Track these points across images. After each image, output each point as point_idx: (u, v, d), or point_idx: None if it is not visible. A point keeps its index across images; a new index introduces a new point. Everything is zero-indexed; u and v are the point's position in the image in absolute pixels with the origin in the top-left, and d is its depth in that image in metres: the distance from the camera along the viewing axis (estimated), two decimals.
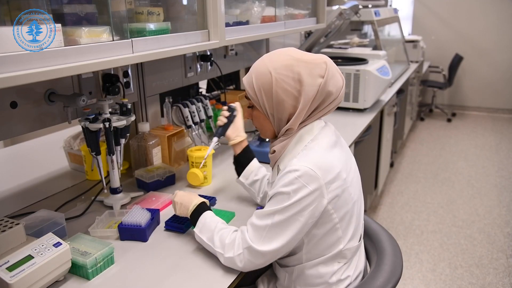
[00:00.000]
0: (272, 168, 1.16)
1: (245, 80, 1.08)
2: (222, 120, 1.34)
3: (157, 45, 1.19)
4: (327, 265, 1.06)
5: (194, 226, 1.13)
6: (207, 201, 1.20)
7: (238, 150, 1.35)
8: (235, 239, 1.03)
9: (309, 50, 2.68)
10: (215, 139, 1.35)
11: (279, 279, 1.15)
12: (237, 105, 1.37)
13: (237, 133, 1.34)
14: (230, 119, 1.34)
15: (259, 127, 1.13)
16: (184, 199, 1.20)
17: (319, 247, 1.04)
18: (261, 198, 1.34)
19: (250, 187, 1.34)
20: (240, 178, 1.35)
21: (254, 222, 1.01)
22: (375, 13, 3.28)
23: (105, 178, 1.36)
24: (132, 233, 1.17)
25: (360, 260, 1.14)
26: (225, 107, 1.36)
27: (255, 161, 1.36)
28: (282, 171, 1.00)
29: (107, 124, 1.24)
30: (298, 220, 0.97)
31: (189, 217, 1.16)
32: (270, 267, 1.26)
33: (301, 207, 0.95)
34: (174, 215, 1.27)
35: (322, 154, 1.00)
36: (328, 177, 0.96)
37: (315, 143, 1.04)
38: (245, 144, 1.36)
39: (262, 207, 1.05)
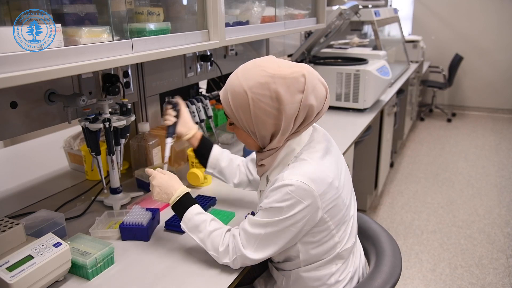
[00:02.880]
0: (260, 177, 1.13)
1: (221, 97, 1.02)
2: (170, 120, 1.29)
3: (157, 45, 1.19)
4: (325, 267, 1.06)
5: (179, 217, 1.09)
6: (188, 189, 1.13)
7: (195, 142, 1.32)
8: (229, 244, 1.02)
9: (309, 50, 2.68)
10: (168, 139, 1.30)
11: (276, 282, 1.15)
12: (177, 98, 1.34)
13: (188, 126, 1.32)
14: (177, 115, 1.31)
15: (242, 141, 1.08)
16: (164, 183, 1.11)
17: (316, 253, 1.04)
18: (236, 184, 1.31)
19: (220, 176, 1.32)
20: (208, 169, 1.32)
21: (246, 229, 1.00)
22: (375, 13, 3.28)
23: (105, 178, 1.36)
24: (134, 233, 1.17)
25: (356, 256, 1.14)
26: (168, 105, 1.31)
27: (215, 148, 1.33)
28: (273, 183, 0.98)
29: (107, 124, 1.24)
30: (291, 231, 0.97)
31: (170, 207, 1.11)
32: (267, 268, 1.26)
33: (294, 220, 0.95)
34: (174, 215, 1.27)
35: (314, 166, 0.98)
36: (322, 189, 0.95)
37: (306, 154, 1.01)
38: (199, 135, 1.33)
39: (253, 213, 1.05)
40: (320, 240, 1.02)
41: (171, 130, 1.30)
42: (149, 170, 1.16)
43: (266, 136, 1.00)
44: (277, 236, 0.97)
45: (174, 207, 1.10)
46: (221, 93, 1.02)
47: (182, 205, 1.09)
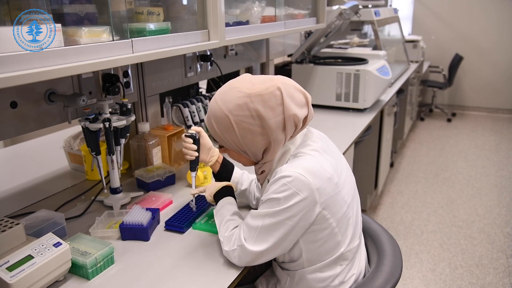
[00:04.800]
0: (262, 184, 1.16)
1: (206, 124, 1.05)
2: (191, 155, 1.23)
3: (157, 45, 1.19)
4: (330, 269, 1.06)
5: (216, 203, 1.20)
6: (234, 185, 1.25)
7: (217, 167, 1.31)
8: (233, 234, 1.06)
9: (309, 50, 2.68)
10: (193, 174, 1.27)
11: (280, 281, 1.14)
12: (195, 128, 1.26)
13: (210, 154, 1.29)
14: (198, 146, 1.25)
15: (236, 161, 1.11)
16: (215, 184, 1.24)
17: (319, 253, 1.04)
18: (255, 205, 1.34)
19: (241, 198, 1.34)
20: None
21: (248, 222, 1.03)
22: (375, 13, 3.28)
23: (105, 178, 1.36)
24: (134, 233, 1.17)
25: (361, 258, 1.14)
26: (187, 139, 1.23)
27: (236, 171, 1.34)
28: (273, 177, 1.00)
29: (107, 124, 1.24)
30: (287, 224, 0.97)
31: (213, 197, 1.22)
32: (268, 267, 1.26)
33: (292, 213, 0.96)
34: (175, 214, 1.28)
35: (311, 160, 1.00)
36: (319, 183, 0.96)
37: (302, 150, 1.03)
38: (220, 158, 1.32)
39: None
40: (322, 238, 1.02)
41: (194, 165, 1.26)
42: (201, 188, 1.28)
43: (257, 153, 1.03)
44: (275, 228, 0.98)
45: (215, 195, 1.21)
46: (206, 119, 1.07)
47: (221, 194, 1.20)
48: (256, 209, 1.05)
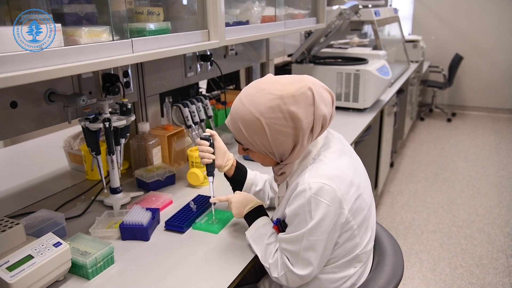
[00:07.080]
0: (279, 184, 1.14)
1: (231, 127, 1.02)
2: (208, 157, 1.21)
3: (157, 45, 1.19)
4: (343, 270, 1.06)
5: (248, 225, 1.14)
6: (264, 203, 1.21)
7: (232, 171, 1.28)
8: (278, 259, 1.04)
9: (309, 50, 2.68)
10: (210, 178, 1.24)
11: None
12: (209, 131, 1.24)
13: (226, 158, 1.26)
14: (213, 149, 1.23)
15: (259, 162, 1.09)
16: (241, 199, 1.19)
17: (337, 254, 1.04)
18: (268, 204, 1.33)
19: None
20: None
21: (286, 248, 1.01)
22: (375, 13, 3.28)
23: (105, 178, 1.36)
24: (134, 233, 1.18)
25: (371, 262, 1.15)
26: (203, 142, 1.22)
27: (250, 174, 1.31)
28: (294, 188, 0.98)
29: (107, 124, 1.24)
30: (324, 237, 0.96)
31: (243, 217, 1.16)
32: None
33: (324, 226, 0.94)
34: (175, 214, 1.27)
35: (332, 165, 0.99)
36: (343, 188, 0.95)
37: (323, 154, 1.02)
38: (235, 162, 1.29)
39: (278, 220, 1.06)
40: (342, 240, 1.01)
41: (210, 169, 1.22)
42: (223, 197, 1.23)
43: (285, 153, 1.00)
44: (314, 247, 0.97)
45: (246, 216, 1.16)
46: (229, 123, 1.02)
47: (253, 215, 1.15)
48: (278, 220, 1.04)
